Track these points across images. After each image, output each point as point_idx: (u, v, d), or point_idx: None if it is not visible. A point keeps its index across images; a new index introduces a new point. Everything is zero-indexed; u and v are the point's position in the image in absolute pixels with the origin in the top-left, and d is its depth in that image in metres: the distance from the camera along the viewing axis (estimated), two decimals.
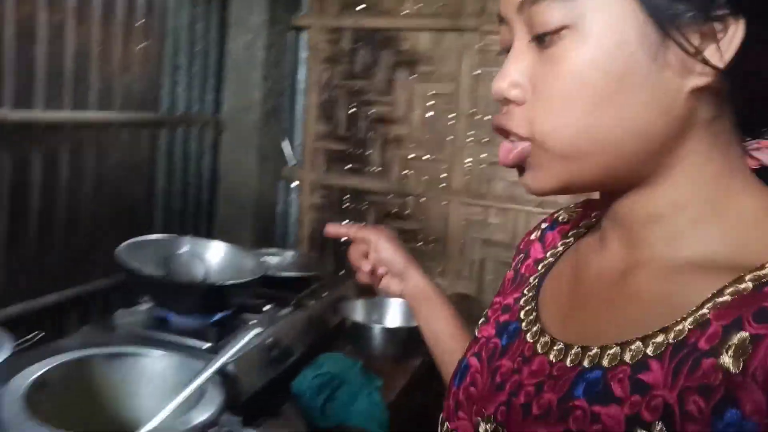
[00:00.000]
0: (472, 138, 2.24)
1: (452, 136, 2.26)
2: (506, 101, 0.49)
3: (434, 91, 2.28)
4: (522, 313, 0.59)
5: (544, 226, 0.69)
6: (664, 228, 0.48)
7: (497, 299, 0.66)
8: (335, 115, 2.45)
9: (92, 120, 1.72)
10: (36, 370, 0.75)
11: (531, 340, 0.55)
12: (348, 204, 2.49)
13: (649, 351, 0.43)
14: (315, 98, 2.46)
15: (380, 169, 2.41)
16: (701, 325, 0.41)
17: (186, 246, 1.38)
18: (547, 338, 0.53)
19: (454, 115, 2.25)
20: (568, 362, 0.48)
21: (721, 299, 0.41)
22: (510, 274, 0.68)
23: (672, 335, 0.42)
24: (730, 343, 0.39)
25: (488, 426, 0.53)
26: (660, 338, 0.43)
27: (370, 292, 1.91)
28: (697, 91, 0.44)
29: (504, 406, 0.52)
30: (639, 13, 0.42)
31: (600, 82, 0.43)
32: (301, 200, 2.55)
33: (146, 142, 2.01)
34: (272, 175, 2.45)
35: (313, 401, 1.22)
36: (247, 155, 2.32)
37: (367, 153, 2.42)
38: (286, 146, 2.51)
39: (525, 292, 0.62)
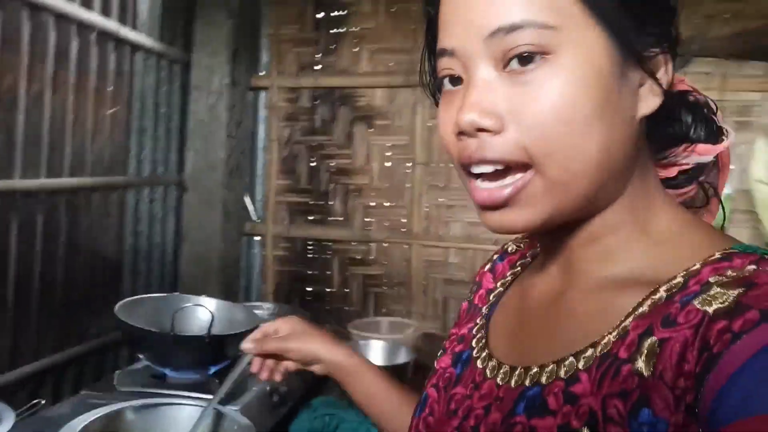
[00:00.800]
0: (428, 184, 2.39)
1: (410, 184, 2.40)
2: (475, 132, 0.45)
3: (391, 143, 2.43)
4: (474, 341, 0.61)
5: (495, 257, 0.70)
6: (598, 248, 0.50)
7: (453, 330, 0.68)
8: (296, 169, 2.55)
9: (65, 186, 1.75)
10: (77, 425, 0.79)
11: (481, 366, 0.56)
12: (312, 254, 2.56)
13: (580, 365, 0.45)
14: (276, 154, 2.55)
15: (342, 218, 2.51)
16: (623, 336, 0.44)
17: (179, 302, 1.41)
18: (494, 362, 0.55)
19: (410, 164, 2.40)
20: (512, 383, 0.50)
21: (640, 310, 0.44)
22: (465, 305, 0.70)
23: (599, 348, 0.45)
24: (643, 349, 0.42)
25: None
26: (589, 352, 0.45)
27: (348, 336, 1.98)
28: (642, 119, 0.48)
29: (456, 430, 0.54)
30: (608, 42, 0.44)
31: (584, 108, 0.43)
32: (264, 254, 2.60)
33: (115, 205, 2.03)
34: (235, 231, 2.50)
35: None
36: (210, 213, 2.37)
37: (329, 204, 2.52)
38: (248, 202, 2.58)
39: (477, 321, 0.63)
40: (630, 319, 0.44)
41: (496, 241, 2.27)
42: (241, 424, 0.81)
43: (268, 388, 1.31)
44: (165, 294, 1.47)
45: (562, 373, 0.46)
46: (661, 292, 0.44)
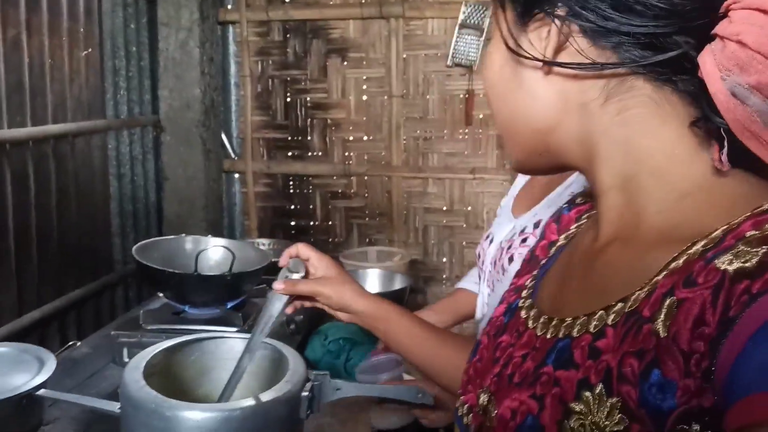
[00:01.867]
0: (405, 117, 2.44)
1: (387, 117, 2.45)
2: None
3: (366, 76, 2.45)
4: (524, 292, 0.61)
5: (563, 206, 0.69)
6: (619, 199, 0.49)
7: (513, 280, 0.68)
8: (272, 104, 2.55)
9: (51, 133, 1.73)
10: (145, 356, 0.87)
11: (524, 316, 0.57)
12: (293, 189, 2.61)
13: (609, 320, 0.44)
14: (250, 90, 2.53)
15: (322, 153, 2.55)
16: (651, 293, 0.42)
17: (190, 243, 1.46)
18: (535, 312, 0.55)
19: (387, 97, 2.43)
20: (548, 334, 0.51)
21: (672, 266, 0.42)
22: (527, 255, 0.70)
23: (629, 304, 0.43)
24: (663, 308, 0.40)
25: (484, 396, 0.56)
26: (618, 307, 0.44)
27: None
28: (557, 80, 0.48)
29: (496, 377, 0.55)
30: (502, 21, 0.51)
31: (495, 86, 0.53)
32: (245, 191, 2.63)
33: (97, 149, 2.01)
34: (215, 169, 2.51)
35: (333, 364, 1.38)
36: (190, 152, 2.37)
37: (307, 139, 2.55)
38: (225, 139, 2.58)
39: (534, 273, 0.63)
40: (662, 275, 0.42)
41: (473, 170, 2.38)
42: (288, 354, 0.90)
43: (284, 317, 1.40)
44: (173, 236, 1.51)
45: (591, 327, 0.45)
46: (698, 246, 0.41)
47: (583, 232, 0.60)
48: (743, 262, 0.36)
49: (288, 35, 2.48)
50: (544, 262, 0.64)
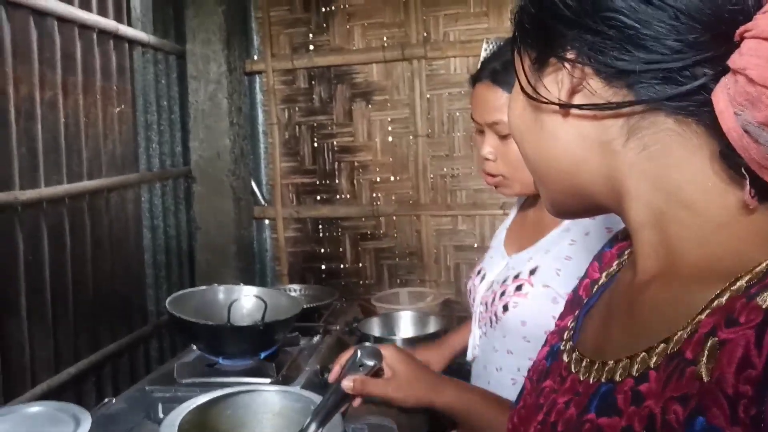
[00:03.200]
0: (431, 155, 2.44)
1: (414, 157, 2.45)
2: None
3: (391, 118, 2.47)
4: (566, 334, 0.59)
5: (605, 245, 0.67)
6: (655, 237, 0.48)
7: (557, 322, 0.66)
8: (300, 150, 2.58)
9: (86, 189, 1.77)
10: (180, 413, 0.85)
11: (566, 359, 0.55)
12: (323, 233, 2.61)
13: (651, 362, 0.42)
14: (278, 137, 2.57)
15: (350, 195, 2.56)
16: (694, 333, 0.40)
17: (222, 293, 1.46)
18: (577, 355, 0.53)
19: (412, 137, 2.44)
20: (591, 378, 0.49)
21: (715, 303, 0.40)
22: (570, 296, 0.68)
23: (671, 345, 0.41)
24: (705, 350, 0.38)
25: None
26: (661, 348, 0.42)
27: (374, 311, 2.05)
28: (576, 122, 0.48)
29: (540, 425, 0.53)
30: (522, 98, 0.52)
31: (519, 131, 0.54)
32: (276, 236, 2.64)
33: (131, 202, 2.05)
34: (246, 216, 2.53)
35: None
36: (221, 200, 2.40)
37: (335, 182, 2.56)
38: (255, 187, 2.61)
39: (576, 313, 0.62)
40: (705, 313, 0.40)
41: (503, 205, 2.35)
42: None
43: (318, 366, 1.38)
44: (206, 286, 1.51)
45: (634, 371, 0.44)
46: (742, 282, 0.39)
47: (624, 270, 0.58)
48: None
49: (313, 82, 2.52)
50: (586, 301, 0.62)
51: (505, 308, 0.99)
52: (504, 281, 1.03)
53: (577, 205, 0.53)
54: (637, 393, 0.42)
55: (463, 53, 2.33)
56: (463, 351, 1.28)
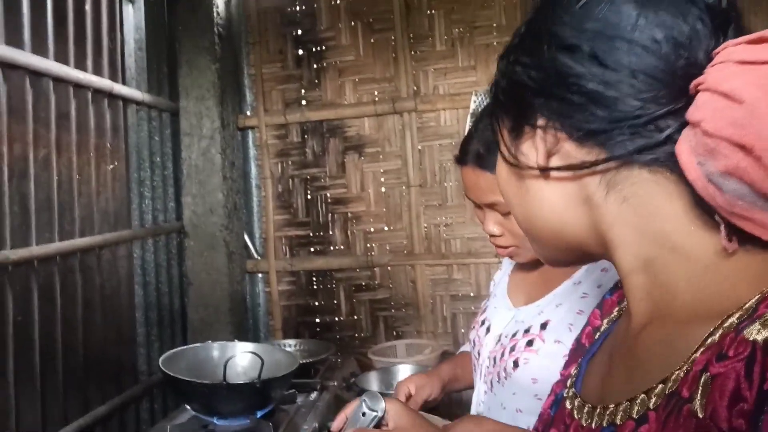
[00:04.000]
0: (425, 205, 2.45)
1: (407, 207, 2.46)
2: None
3: (383, 169, 2.49)
4: (569, 381, 0.60)
5: (606, 293, 0.69)
6: (645, 280, 0.48)
7: (562, 372, 0.67)
8: (293, 203, 2.59)
9: (78, 246, 1.75)
10: None
11: (569, 407, 0.56)
12: (317, 285, 2.59)
13: (651, 404, 0.43)
14: (271, 190, 2.58)
15: (344, 246, 2.55)
16: (689, 371, 0.41)
17: (216, 350, 1.43)
18: (579, 402, 0.54)
19: (405, 187, 2.46)
20: (593, 424, 0.49)
21: (709, 341, 0.41)
22: (573, 344, 0.68)
23: (669, 385, 0.42)
24: (699, 387, 0.38)
25: None
26: (659, 388, 0.43)
27: (371, 365, 2.01)
28: (556, 183, 0.50)
29: None
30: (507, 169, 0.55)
31: (507, 195, 0.56)
32: (269, 290, 2.61)
33: (123, 259, 2.03)
34: (239, 270, 2.51)
35: None
36: (213, 255, 2.38)
37: (329, 234, 2.56)
38: (248, 240, 2.59)
39: (579, 361, 0.62)
40: (699, 351, 0.41)
41: (497, 254, 2.34)
42: None
43: (316, 424, 1.34)
44: (200, 344, 1.47)
45: (634, 413, 0.44)
46: (733, 319, 0.40)
47: (623, 317, 0.58)
48: None
49: (306, 136, 2.55)
50: (588, 348, 0.63)
51: (516, 364, 0.96)
52: (514, 335, 1.00)
53: (569, 256, 0.55)
54: None
55: (453, 105, 2.37)
56: (452, 382, 1.25)
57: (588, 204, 0.49)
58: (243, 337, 2.44)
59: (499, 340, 1.04)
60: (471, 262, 2.41)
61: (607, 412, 0.48)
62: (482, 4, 2.35)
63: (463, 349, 1.36)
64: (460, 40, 2.37)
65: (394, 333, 2.50)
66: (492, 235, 1.02)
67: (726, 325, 0.40)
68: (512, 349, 0.98)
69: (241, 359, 1.40)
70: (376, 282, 2.52)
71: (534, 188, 0.51)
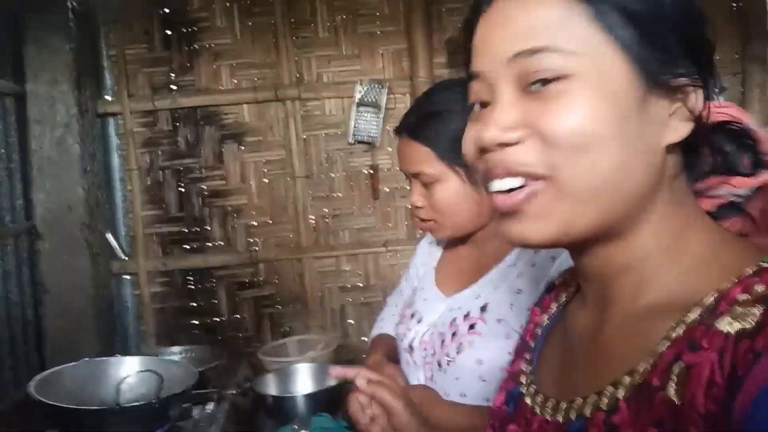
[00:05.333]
0: (311, 197, 2.38)
1: (292, 198, 2.37)
2: (496, 147, 0.48)
3: (266, 159, 2.37)
4: (523, 378, 0.61)
5: (543, 292, 0.71)
6: (633, 278, 0.50)
7: (507, 369, 0.68)
8: (164, 197, 2.37)
9: None
10: None
11: (530, 402, 0.56)
12: (194, 285, 2.41)
13: (620, 394, 0.45)
14: (138, 184, 2.34)
15: (223, 242, 2.40)
16: (657, 362, 0.43)
17: (98, 369, 1.25)
18: (541, 397, 0.55)
19: (290, 179, 2.36)
20: (560, 418, 0.51)
21: (673, 335, 0.43)
22: (518, 343, 0.70)
23: (637, 376, 0.44)
24: (673, 376, 0.41)
25: None
26: (627, 380, 0.45)
27: (264, 366, 1.91)
28: (669, 147, 0.48)
29: None
30: (630, 70, 0.46)
31: (599, 128, 0.45)
32: (139, 293, 2.38)
33: None
34: (104, 273, 2.26)
35: None
36: (74, 258, 2.11)
37: (206, 229, 2.39)
38: (111, 239, 2.34)
39: (527, 357, 0.63)
40: (665, 345, 0.43)
41: (386, 243, 2.35)
42: None
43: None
44: (75, 363, 1.29)
45: (603, 404, 0.46)
46: (695, 314, 0.43)
47: (573, 312, 0.60)
48: (742, 324, 0.39)
49: (177, 124, 2.35)
50: (533, 345, 0.64)
51: (459, 349, 0.96)
52: (452, 321, 1.00)
53: (585, 233, 0.49)
54: (610, 425, 0.45)
55: (338, 94, 2.32)
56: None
57: (671, 184, 0.49)
58: (111, 347, 2.20)
59: (435, 329, 1.03)
60: (360, 253, 2.39)
61: (575, 406, 0.49)
62: None
63: (377, 332, 1.32)
64: (344, 28, 2.32)
65: (281, 330, 2.41)
66: (415, 207, 1.05)
67: (689, 321, 0.43)
68: (454, 335, 0.98)
69: (127, 376, 1.25)
70: (261, 278, 2.40)
71: (651, 142, 0.47)
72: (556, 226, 0.47)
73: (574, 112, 0.45)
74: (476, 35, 0.52)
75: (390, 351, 1.22)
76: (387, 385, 0.80)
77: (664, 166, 0.48)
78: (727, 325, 0.40)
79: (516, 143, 0.47)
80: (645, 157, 0.47)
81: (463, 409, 0.95)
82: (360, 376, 0.81)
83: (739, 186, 0.52)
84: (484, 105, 0.51)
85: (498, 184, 0.49)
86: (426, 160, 0.99)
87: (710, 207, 0.53)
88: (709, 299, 0.43)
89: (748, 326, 0.38)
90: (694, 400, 0.39)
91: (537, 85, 0.46)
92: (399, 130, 1.06)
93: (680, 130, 0.48)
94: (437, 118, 0.99)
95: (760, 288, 0.41)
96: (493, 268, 1.02)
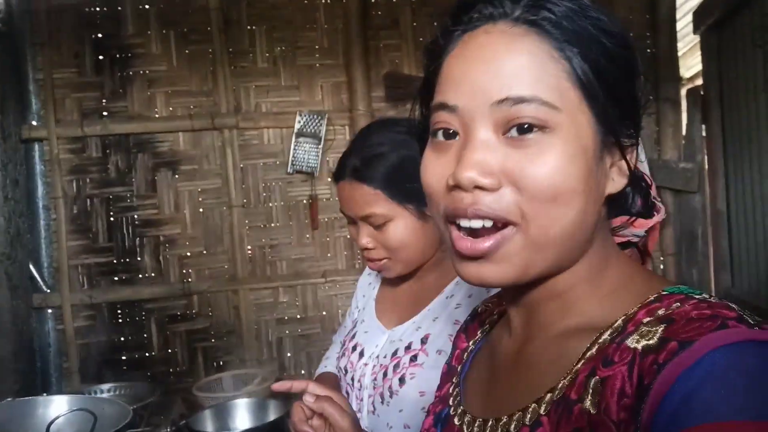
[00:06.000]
0: (248, 226, 2.34)
1: (228, 228, 2.33)
2: (472, 188, 0.49)
3: (201, 188, 2.33)
4: (450, 400, 0.64)
5: (467, 318, 0.74)
6: (559, 303, 0.54)
7: (436, 393, 0.70)
8: (92, 226, 2.28)
9: None
10: None
11: (458, 422, 0.59)
12: (123, 319, 2.30)
13: (541, 410, 0.49)
14: (63, 212, 2.24)
15: (155, 273, 2.32)
16: (574, 379, 0.47)
17: (23, 409, 1.17)
18: (469, 417, 0.57)
19: (226, 208, 2.32)
20: None
21: (588, 354, 0.48)
22: (445, 368, 0.72)
23: (556, 392, 0.48)
24: (589, 389, 0.45)
25: None
26: (548, 397, 0.49)
27: (200, 402, 1.85)
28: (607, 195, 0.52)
29: None
30: (595, 127, 0.49)
31: (571, 180, 0.48)
32: (62, 327, 2.25)
33: None
34: (24, 307, 2.13)
35: None
36: None
37: (137, 260, 2.30)
38: (34, 271, 2.21)
39: (454, 380, 0.66)
40: (581, 363, 0.48)
41: (324, 273, 2.35)
42: None
43: None
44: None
45: (527, 420, 0.49)
46: (606, 336, 0.48)
47: (497, 336, 0.63)
48: (648, 340, 0.43)
49: (108, 151, 2.27)
50: (460, 369, 0.67)
51: (402, 381, 0.96)
52: (394, 353, 1.00)
53: (539, 273, 0.52)
54: None
55: (277, 124, 2.32)
56: None
57: (602, 224, 0.54)
58: (30, 385, 2.07)
59: (377, 362, 1.03)
60: (298, 284, 2.37)
61: (500, 424, 0.52)
62: (305, 26, 2.34)
63: (321, 371, 1.30)
64: (283, 59, 2.34)
65: (215, 364, 2.34)
66: (365, 249, 1.02)
67: (600, 341, 0.48)
68: (396, 366, 0.98)
69: (58, 419, 1.17)
70: (194, 311, 2.33)
71: (602, 188, 0.51)
72: (515, 270, 0.50)
73: (553, 166, 0.47)
74: (451, 66, 0.51)
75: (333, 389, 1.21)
76: (334, 400, 0.80)
77: (601, 212, 0.52)
78: (635, 342, 0.44)
79: (492, 190, 0.48)
80: (596, 206, 0.51)
81: None
82: (309, 389, 0.81)
83: (638, 227, 0.59)
84: (448, 134, 0.51)
85: (465, 222, 0.50)
86: (375, 201, 0.98)
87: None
88: (618, 322, 0.48)
89: (652, 342, 0.43)
90: (608, 409, 0.43)
91: (513, 131, 0.48)
92: (340, 175, 1.03)
93: (618, 182, 0.52)
94: (381, 159, 0.98)
95: (661, 311, 0.46)
96: (432, 299, 1.03)
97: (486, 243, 0.49)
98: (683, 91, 2.56)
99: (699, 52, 2.45)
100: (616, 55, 0.49)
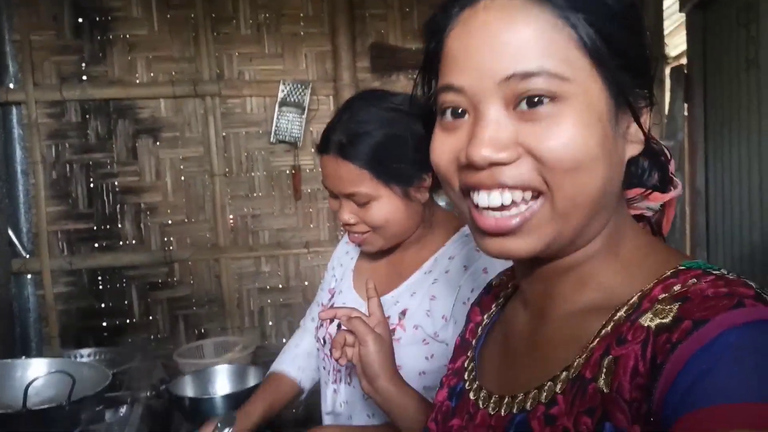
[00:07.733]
0: (230, 195, 2.34)
1: (210, 197, 2.32)
2: (487, 165, 0.48)
3: (183, 156, 2.31)
4: (465, 374, 0.64)
5: (482, 291, 0.73)
6: (575, 276, 0.53)
7: (449, 365, 0.70)
8: (71, 192, 2.25)
9: None
10: None
11: (473, 397, 0.59)
12: (103, 285, 2.30)
13: (557, 388, 0.49)
14: (42, 177, 2.21)
15: (136, 241, 2.31)
16: (589, 357, 0.47)
17: (7, 370, 1.17)
18: (485, 393, 0.57)
19: (208, 176, 2.31)
20: (502, 412, 0.53)
21: (603, 332, 0.47)
22: (458, 340, 0.72)
23: (572, 371, 0.48)
24: (603, 367, 0.45)
25: None
26: (563, 375, 0.49)
27: (179, 369, 1.86)
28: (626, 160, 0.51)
29: None
30: (607, 94, 0.48)
31: (589, 148, 0.47)
32: (42, 293, 2.24)
33: None
34: (3, 272, 2.11)
35: None
36: None
37: (117, 227, 2.29)
38: (12, 236, 2.19)
39: (468, 354, 0.66)
40: (596, 341, 0.48)
41: (307, 244, 2.35)
42: None
43: None
44: None
45: (542, 398, 0.50)
46: (621, 313, 0.48)
47: (513, 311, 0.62)
48: (662, 319, 0.43)
49: (87, 116, 2.24)
50: (475, 343, 0.67)
51: None
52: None
53: (565, 243, 0.51)
54: (549, 416, 0.48)
55: (260, 93, 2.29)
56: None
57: (620, 195, 0.53)
58: (9, 350, 2.07)
59: None
60: (280, 254, 2.37)
61: (516, 401, 0.53)
62: None
63: (273, 370, 1.32)
64: (267, 27, 2.30)
65: (196, 332, 2.35)
66: (348, 224, 1.02)
67: (616, 318, 0.48)
68: None
69: (32, 379, 1.18)
70: (175, 279, 2.33)
71: (620, 154, 0.50)
72: (542, 242, 0.49)
73: (567, 135, 0.46)
74: (453, 46, 0.50)
75: (273, 402, 1.23)
76: (363, 320, 0.87)
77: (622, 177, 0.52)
78: (649, 320, 0.44)
79: (509, 163, 0.48)
80: (619, 171, 0.50)
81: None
82: (344, 314, 0.90)
83: (653, 201, 0.57)
84: (456, 113, 0.50)
85: (485, 197, 0.49)
86: (360, 180, 0.96)
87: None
88: (634, 298, 0.48)
89: (666, 321, 0.42)
90: (621, 388, 0.43)
91: (523, 104, 0.47)
92: (325, 149, 1.00)
93: (635, 146, 0.51)
94: (368, 137, 0.96)
95: (677, 288, 0.45)
96: (411, 274, 1.04)
97: (513, 221, 0.49)
98: (667, 70, 2.58)
99: (684, 31, 2.46)
100: (621, 15, 0.48)
